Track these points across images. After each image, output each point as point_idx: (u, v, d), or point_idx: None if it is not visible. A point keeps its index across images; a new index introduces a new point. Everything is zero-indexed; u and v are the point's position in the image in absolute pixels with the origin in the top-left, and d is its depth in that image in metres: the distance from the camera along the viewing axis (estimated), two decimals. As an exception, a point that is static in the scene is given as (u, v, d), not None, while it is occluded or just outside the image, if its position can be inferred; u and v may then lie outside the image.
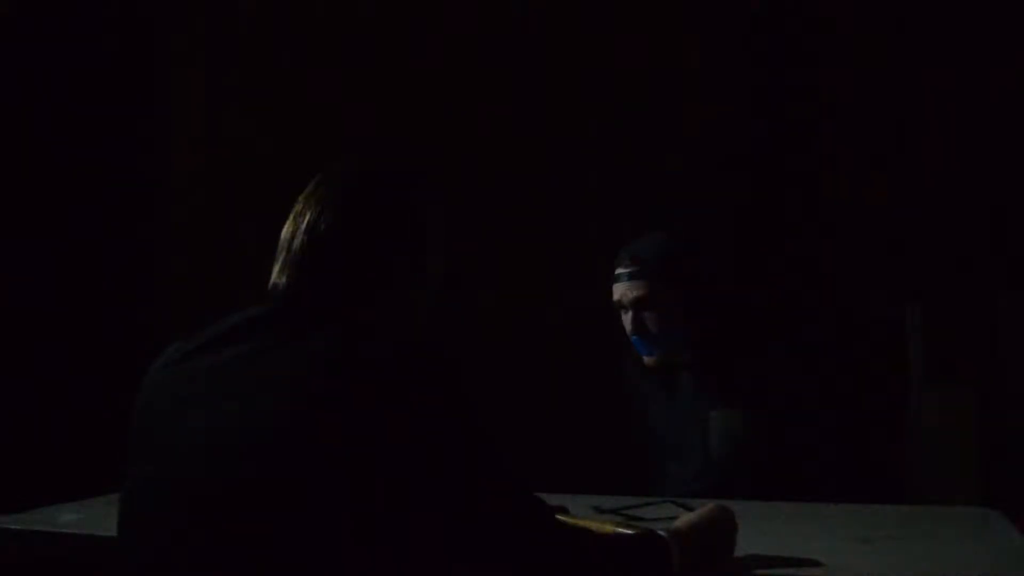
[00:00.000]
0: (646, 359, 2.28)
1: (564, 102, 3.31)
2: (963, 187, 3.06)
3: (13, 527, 1.69)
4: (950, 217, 3.06)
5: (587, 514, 1.77)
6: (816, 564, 1.43)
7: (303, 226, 1.23)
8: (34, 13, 3.25)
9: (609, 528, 1.49)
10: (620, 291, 2.25)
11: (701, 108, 3.22)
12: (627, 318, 2.25)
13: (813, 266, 3.12)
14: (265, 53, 3.56)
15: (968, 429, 2.93)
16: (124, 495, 1.18)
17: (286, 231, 1.26)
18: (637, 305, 2.23)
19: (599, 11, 3.33)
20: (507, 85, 3.37)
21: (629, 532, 1.37)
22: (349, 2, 3.51)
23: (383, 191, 1.28)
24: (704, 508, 1.45)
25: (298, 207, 1.27)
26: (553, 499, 1.43)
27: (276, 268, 1.25)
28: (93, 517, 1.75)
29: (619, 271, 2.26)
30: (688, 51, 3.25)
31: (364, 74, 3.44)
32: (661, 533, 1.29)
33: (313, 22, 3.54)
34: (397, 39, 3.45)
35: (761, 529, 1.67)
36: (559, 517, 1.30)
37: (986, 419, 2.95)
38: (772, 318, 3.06)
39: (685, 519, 1.41)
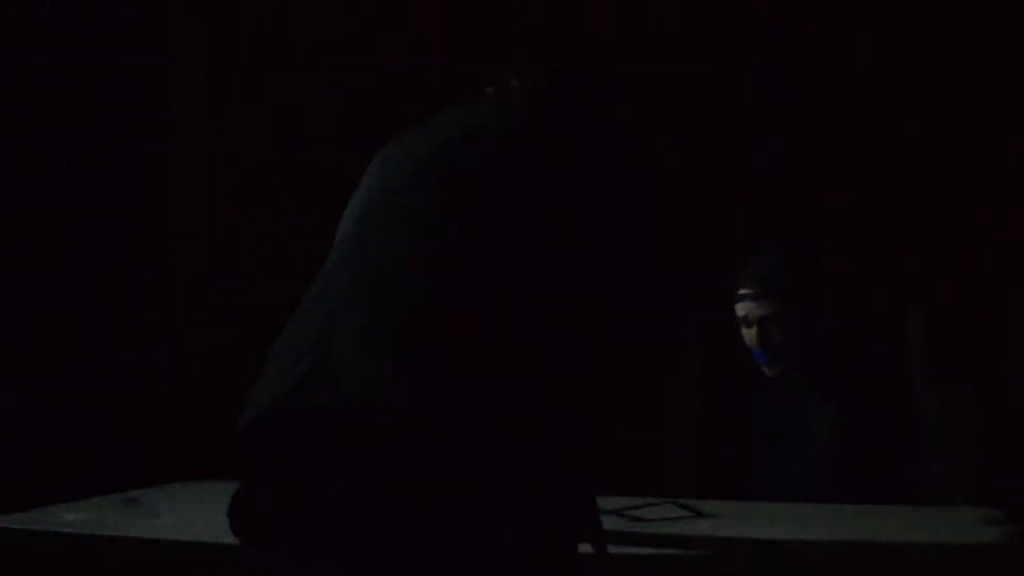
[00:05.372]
0: (768, 370, 2.45)
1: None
2: (963, 186, 3.06)
3: (13, 527, 1.69)
4: (950, 216, 3.06)
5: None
6: (817, 564, 1.44)
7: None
8: (34, 13, 3.25)
9: None
10: (747, 309, 2.44)
11: (701, 109, 3.22)
12: (751, 332, 2.44)
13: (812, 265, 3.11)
14: (265, 53, 3.55)
15: (969, 429, 2.93)
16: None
17: None
18: (763, 322, 2.42)
19: (599, 11, 3.32)
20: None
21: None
22: (349, 2, 3.50)
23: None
24: None
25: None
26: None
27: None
28: (93, 517, 1.76)
29: (743, 291, 2.45)
30: (688, 54, 3.25)
31: (364, 74, 3.43)
32: None
33: (313, 22, 3.53)
34: (397, 39, 3.45)
35: (762, 529, 1.67)
36: None
37: (987, 419, 2.95)
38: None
39: None
